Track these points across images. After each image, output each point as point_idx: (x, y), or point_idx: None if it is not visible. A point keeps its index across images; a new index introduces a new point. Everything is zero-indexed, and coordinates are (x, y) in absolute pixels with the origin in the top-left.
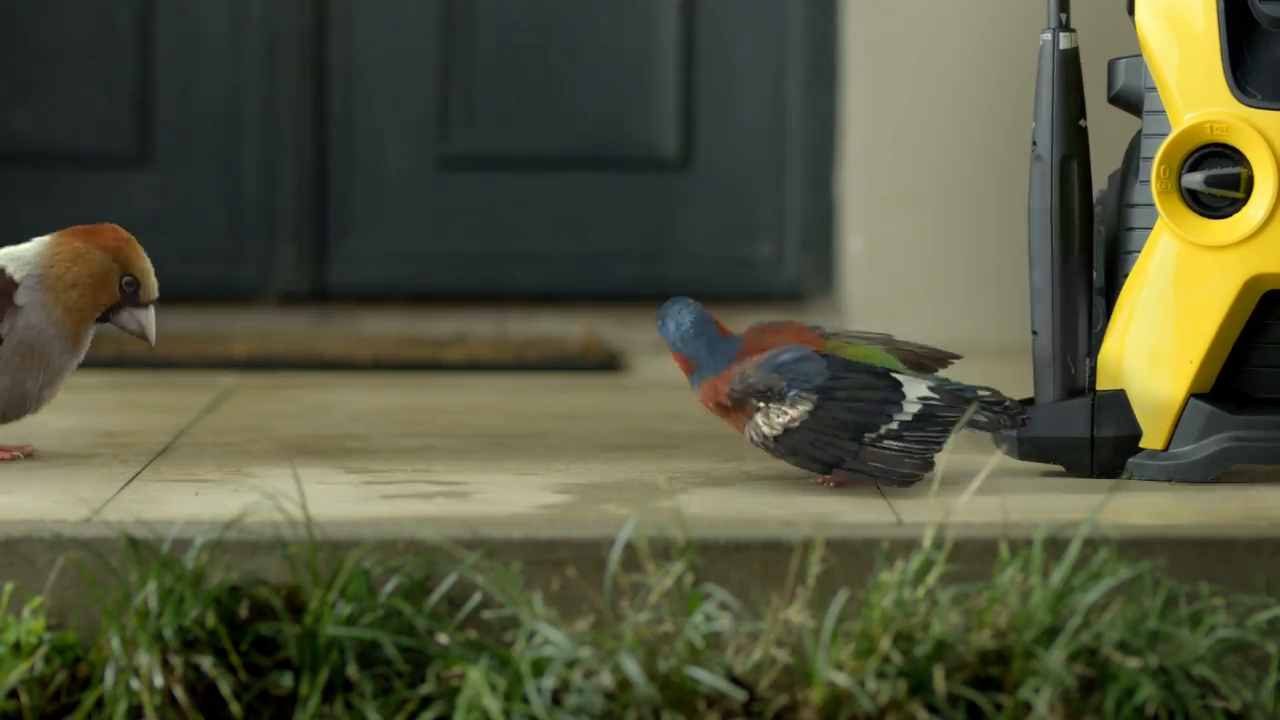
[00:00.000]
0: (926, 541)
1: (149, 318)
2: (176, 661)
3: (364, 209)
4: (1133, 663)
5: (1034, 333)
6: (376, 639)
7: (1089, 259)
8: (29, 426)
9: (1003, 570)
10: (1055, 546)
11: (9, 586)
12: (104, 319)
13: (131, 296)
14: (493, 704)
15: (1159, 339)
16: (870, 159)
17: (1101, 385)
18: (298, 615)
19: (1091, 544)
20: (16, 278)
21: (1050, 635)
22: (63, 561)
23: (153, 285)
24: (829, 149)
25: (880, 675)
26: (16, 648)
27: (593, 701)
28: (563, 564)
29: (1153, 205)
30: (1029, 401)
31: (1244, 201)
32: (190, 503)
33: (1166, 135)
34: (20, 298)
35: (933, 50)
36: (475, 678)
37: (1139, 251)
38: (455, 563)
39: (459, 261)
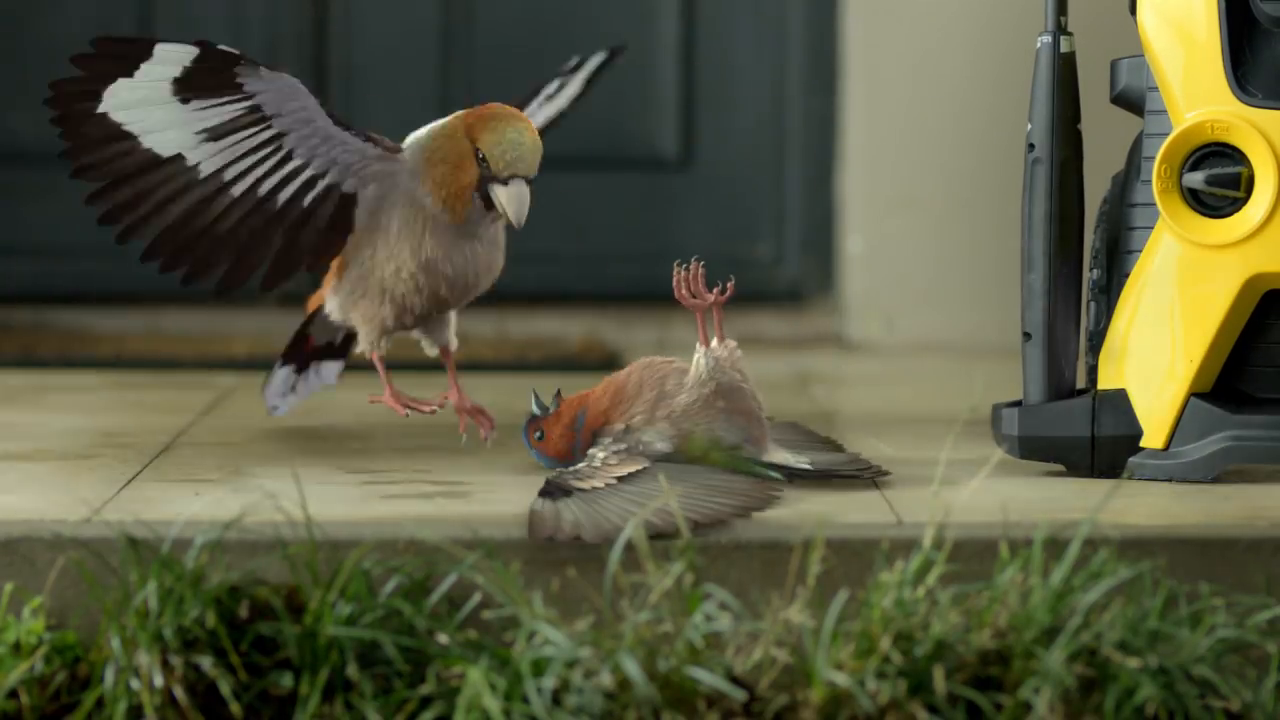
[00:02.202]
0: (926, 541)
1: (509, 194)
2: (176, 661)
3: None
4: (1133, 663)
5: (1026, 335)
6: (376, 639)
7: (1081, 262)
8: (30, 426)
9: (1003, 570)
10: (1055, 546)
11: (9, 586)
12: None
13: (486, 172)
14: (493, 704)
15: (1160, 338)
16: (870, 159)
17: (1102, 385)
18: (298, 615)
19: (1091, 544)
20: (399, 144)
21: (1050, 635)
22: (63, 561)
23: (507, 158)
24: (829, 149)
25: (880, 675)
26: (16, 648)
27: (593, 701)
28: (563, 564)
29: (1154, 205)
30: (1017, 403)
31: (1244, 201)
32: (190, 503)
33: (1168, 135)
34: (395, 164)
35: (933, 50)
36: (475, 678)
37: (1140, 251)
38: (455, 563)
39: None
